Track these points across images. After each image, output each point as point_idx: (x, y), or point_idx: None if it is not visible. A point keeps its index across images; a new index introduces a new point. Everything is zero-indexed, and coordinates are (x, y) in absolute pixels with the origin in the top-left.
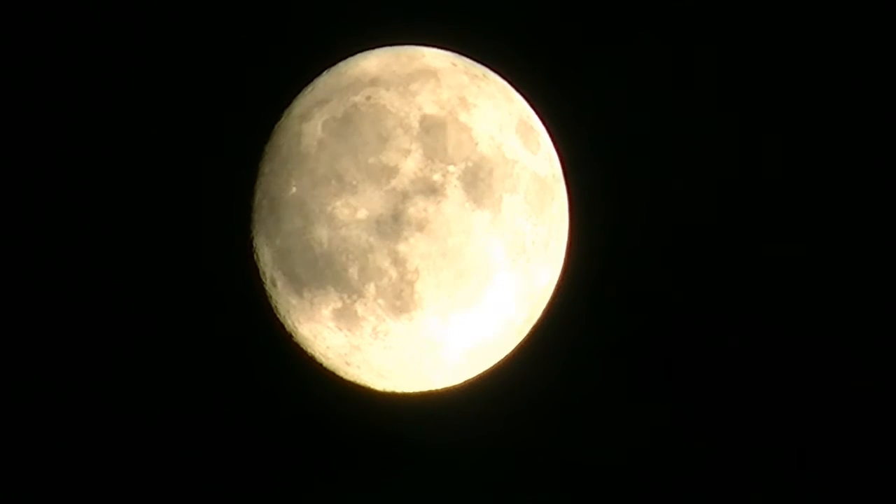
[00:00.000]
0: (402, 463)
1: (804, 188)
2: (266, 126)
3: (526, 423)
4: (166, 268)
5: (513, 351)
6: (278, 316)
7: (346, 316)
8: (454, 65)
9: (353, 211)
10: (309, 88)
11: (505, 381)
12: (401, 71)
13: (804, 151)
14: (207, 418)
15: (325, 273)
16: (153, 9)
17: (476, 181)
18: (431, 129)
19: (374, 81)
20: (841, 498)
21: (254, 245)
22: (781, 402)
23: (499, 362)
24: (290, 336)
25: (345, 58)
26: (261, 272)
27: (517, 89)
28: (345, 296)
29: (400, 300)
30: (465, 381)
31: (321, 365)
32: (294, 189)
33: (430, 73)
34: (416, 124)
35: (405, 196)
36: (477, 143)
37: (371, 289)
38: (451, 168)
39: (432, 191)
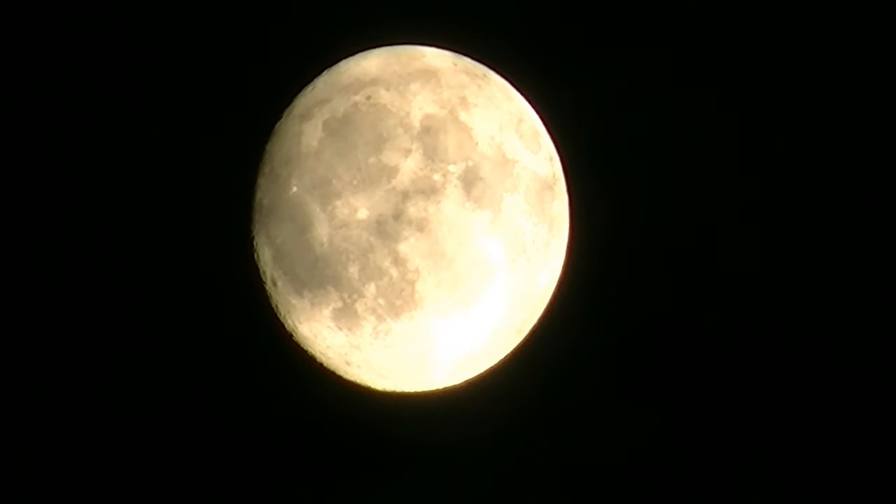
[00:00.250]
0: (402, 463)
1: (804, 188)
2: (266, 126)
3: (525, 423)
4: (166, 268)
5: (513, 351)
6: (279, 316)
7: (346, 316)
8: (454, 64)
9: (354, 211)
10: (309, 88)
11: (505, 381)
12: (401, 71)
13: (804, 151)
14: (207, 418)
15: (325, 273)
16: (153, 9)
17: (476, 181)
18: (432, 129)
19: (375, 81)
20: (835, 501)
21: (254, 245)
22: (782, 403)
23: (499, 362)
24: (291, 336)
25: (345, 57)
26: (261, 272)
27: (517, 89)
28: (345, 295)
29: (400, 300)
30: (465, 381)
31: (321, 365)
32: (294, 189)
33: (431, 73)
34: (416, 124)
35: (405, 196)
36: (477, 143)
37: (371, 288)
38: (451, 168)
39: (433, 190)
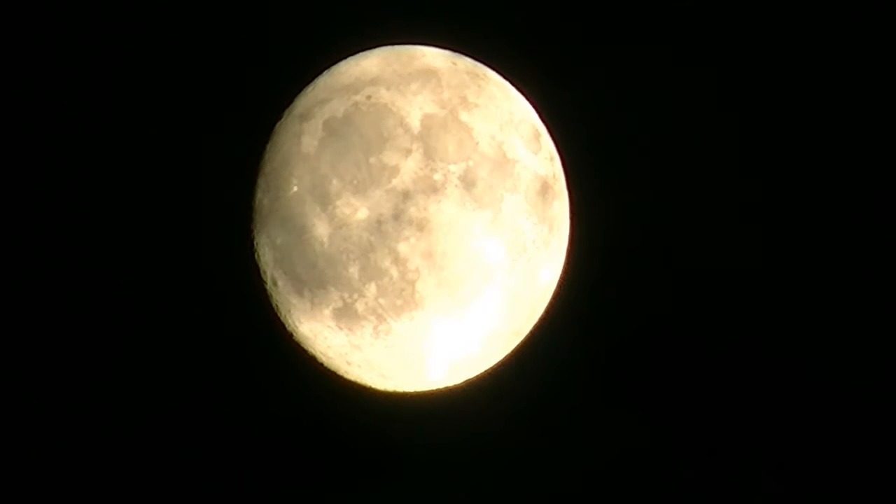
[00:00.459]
0: (402, 463)
1: (805, 188)
2: (267, 125)
3: (525, 423)
4: (167, 268)
5: (513, 350)
6: (279, 315)
7: (346, 315)
8: (455, 64)
9: (354, 210)
10: (310, 88)
11: (505, 381)
12: (401, 70)
13: (805, 152)
14: (207, 418)
15: (325, 272)
16: (153, 9)
17: (476, 181)
18: (432, 129)
19: (375, 81)
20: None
21: (254, 244)
22: (782, 403)
23: (499, 362)
24: (291, 335)
25: (345, 57)
26: (261, 271)
27: (518, 89)
28: (345, 295)
29: (400, 300)
30: (465, 381)
31: (322, 364)
32: (295, 188)
33: (431, 73)
34: (416, 124)
35: (406, 195)
36: (477, 143)
37: (372, 288)
38: (451, 167)
39: (433, 190)
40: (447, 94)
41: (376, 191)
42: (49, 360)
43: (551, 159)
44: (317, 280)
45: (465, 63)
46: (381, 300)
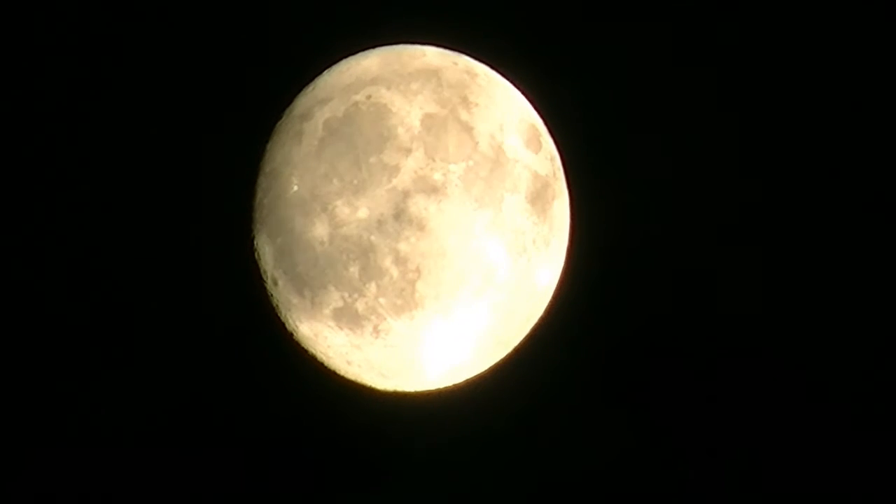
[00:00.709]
0: (402, 463)
1: (805, 187)
2: (267, 125)
3: (525, 423)
4: (167, 267)
5: (514, 350)
6: (279, 315)
7: (347, 315)
8: (455, 64)
9: (354, 210)
10: (310, 87)
11: (505, 381)
12: (402, 70)
13: (805, 152)
14: (207, 418)
15: (326, 272)
16: (153, 9)
17: (477, 180)
18: (432, 129)
19: (375, 80)
20: None
21: (255, 244)
22: (782, 404)
23: (499, 361)
24: (291, 335)
25: (346, 57)
26: (262, 271)
27: (518, 88)
28: (346, 295)
29: (401, 299)
30: (465, 381)
31: (322, 364)
32: (295, 188)
33: (431, 72)
34: (416, 123)
35: (406, 195)
36: (478, 143)
37: (372, 288)
38: (451, 167)
39: (433, 190)
40: (447, 93)
41: (376, 190)
42: (49, 359)
43: (551, 159)
44: (317, 280)
45: (466, 62)
46: (382, 300)
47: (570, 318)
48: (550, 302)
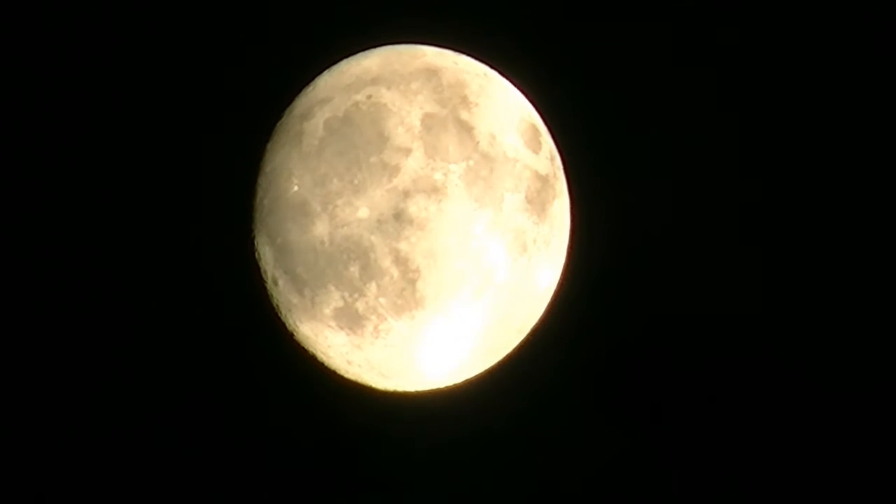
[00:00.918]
0: (402, 463)
1: (806, 187)
2: (267, 125)
3: (526, 423)
4: (167, 267)
5: (514, 350)
6: (279, 315)
7: (347, 315)
8: (455, 63)
9: (355, 210)
10: (310, 87)
11: (505, 381)
12: (402, 70)
13: (805, 152)
14: (207, 418)
15: (326, 272)
16: (154, 9)
17: (477, 180)
18: (432, 128)
19: (376, 80)
20: None
21: (255, 244)
22: (782, 404)
23: (500, 361)
24: (292, 335)
25: (346, 56)
26: (262, 271)
27: (518, 88)
28: (346, 294)
29: (401, 299)
30: (465, 381)
31: (322, 364)
32: (295, 188)
33: (432, 72)
34: (417, 123)
35: (406, 195)
36: (478, 142)
37: (372, 287)
38: (452, 167)
39: (434, 189)
40: (448, 93)
41: (377, 190)
42: (49, 360)
43: (552, 158)
44: (317, 279)
45: (466, 62)
46: (382, 299)
47: (570, 318)
48: (550, 302)
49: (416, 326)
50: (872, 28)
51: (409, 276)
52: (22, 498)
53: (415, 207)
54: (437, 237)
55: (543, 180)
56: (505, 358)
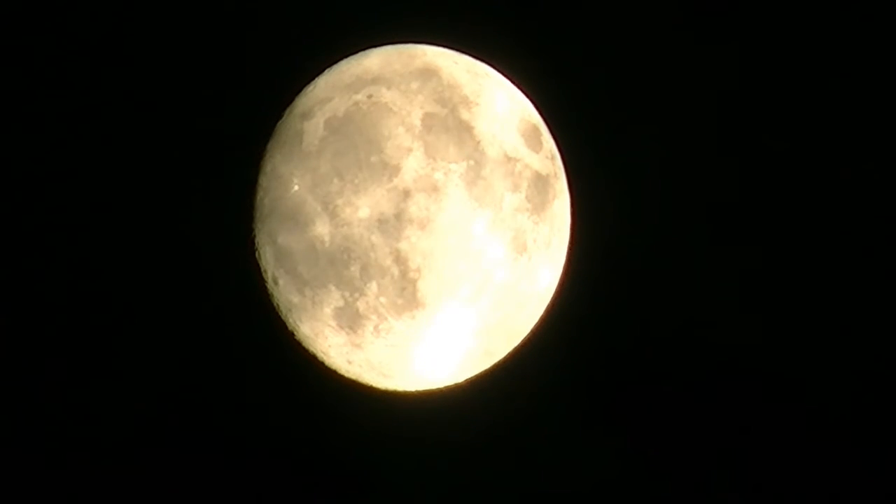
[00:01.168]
0: (403, 463)
1: (806, 188)
2: (268, 124)
3: (526, 422)
4: (168, 267)
5: (514, 349)
6: (280, 314)
7: (347, 314)
8: (456, 63)
9: (355, 209)
10: (310, 87)
11: (506, 380)
12: (402, 69)
13: (806, 152)
14: (208, 418)
15: (326, 271)
16: (154, 8)
17: (477, 179)
18: (433, 128)
19: (376, 80)
20: None
21: (255, 243)
22: (782, 404)
23: (500, 361)
24: (292, 334)
25: (346, 56)
26: (262, 270)
27: (519, 87)
28: (346, 294)
29: (402, 298)
30: (465, 381)
31: (323, 363)
32: (296, 187)
33: (432, 72)
34: (417, 123)
35: (407, 194)
36: (478, 142)
37: (373, 287)
38: (452, 166)
39: (434, 189)
40: (448, 92)
41: (377, 190)
42: (49, 360)
43: (552, 158)
44: (318, 279)
45: (466, 62)
46: (382, 299)
47: (569, 318)
48: (551, 301)
49: (416, 326)
50: (872, 28)
51: (410, 276)
52: (22, 498)
53: (415, 207)
54: (438, 237)
55: (544, 180)
56: (505, 357)
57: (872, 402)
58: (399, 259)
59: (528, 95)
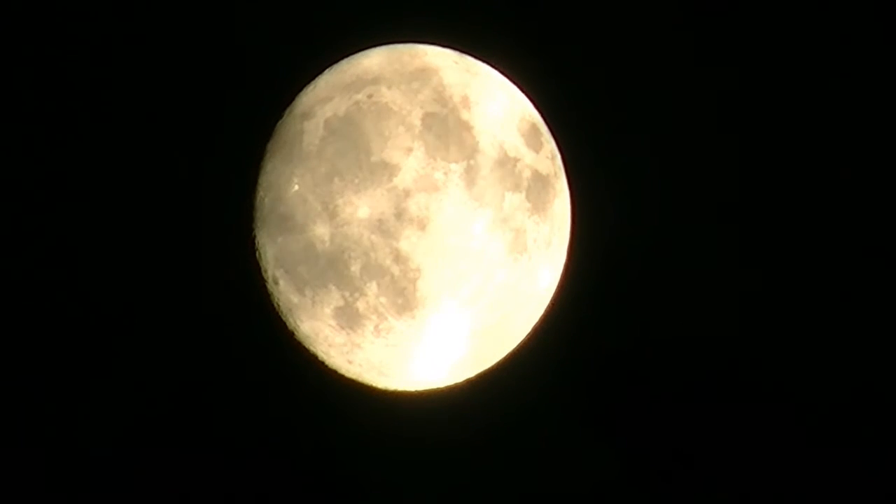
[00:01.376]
0: (403, 462)
1: (806, 186)
2: (268, 124)
3: (526, 422)
4: (168, 267)
5: (514, 349)
6: (280, 314)
7: (347, 314)
8: (456, 63)
9: (355, 209)
10: (311, 87)
11: (506, 380)
12: (402, 69)
13: (806, 152)
14: (208, 418)
15: (326, 271)
16: (154, 8)
17: (477, 179)
18: (433, 127)
19: (376, 79)
20: None
21: (256, 243)
22: (782, 404)
23: (500, 360)
24: (292, 334)
25: (347, 56)
26: (263, 270)
27: (519, 87)
28: (346, 294)
29: (402, 298)
30: (465, 380)
31: (323, 363)
32: (296, 187)
33: (432, 71)
34: (417, 122)
35: (407, 194)
36: (479, 142)
37: (373, 287)
38: (452, 166)
39: (434, 189)
40: (448, 92)
41: (377, 189)
42: (49, 360)
43: (552, 158)
44: (318, 279)
45: (467, 61)
46: (382, 299)
47: (569, 318)
48: (551, 301)
49: (416, 326)
50: (872, 28)
51: (410, 276)
52: (22, 498)
53: (415, 207)
54: (438, 236)
55: (544, 180)
56: (505, 357)
57: (872, 405)
58: (399, 259)
59: (528, 95)
